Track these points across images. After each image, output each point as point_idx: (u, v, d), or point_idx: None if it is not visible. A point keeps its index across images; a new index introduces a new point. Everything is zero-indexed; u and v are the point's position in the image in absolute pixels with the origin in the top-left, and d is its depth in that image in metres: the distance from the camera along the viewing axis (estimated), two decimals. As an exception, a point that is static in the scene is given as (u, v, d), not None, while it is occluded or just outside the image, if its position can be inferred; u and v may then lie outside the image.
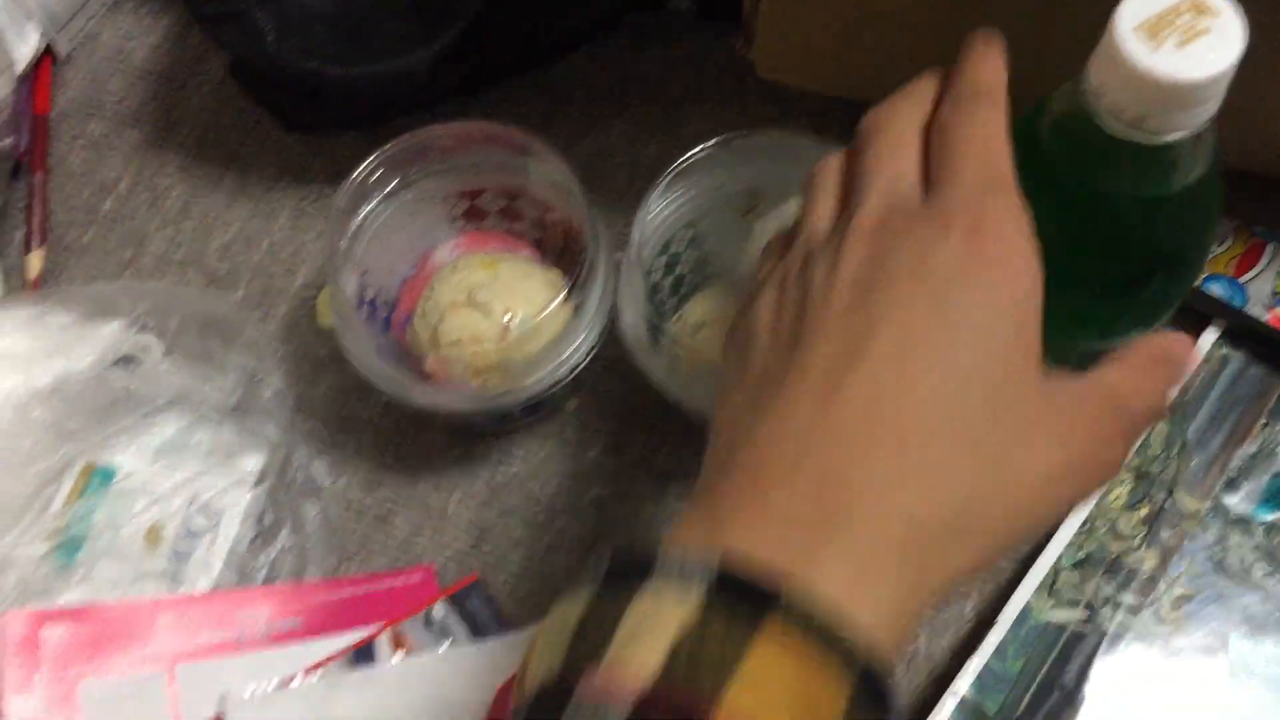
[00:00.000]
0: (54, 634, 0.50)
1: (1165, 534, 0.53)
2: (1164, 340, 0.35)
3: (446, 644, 0.52)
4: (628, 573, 0.28)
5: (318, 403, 0.59)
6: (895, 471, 0.28)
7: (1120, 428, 0.33)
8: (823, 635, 0.26)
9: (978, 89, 0.34)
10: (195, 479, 0.54)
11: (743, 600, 0.26)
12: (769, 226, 0.50)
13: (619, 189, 0.62)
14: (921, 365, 0.28)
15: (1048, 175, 0.39)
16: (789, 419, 0.29)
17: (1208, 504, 0.53)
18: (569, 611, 0.30)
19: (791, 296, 0.31)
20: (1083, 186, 0.38)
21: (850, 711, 0.25)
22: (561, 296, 0.50)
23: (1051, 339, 0.43)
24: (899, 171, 0.33)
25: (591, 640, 0.28)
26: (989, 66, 0.35)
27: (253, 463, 0.55)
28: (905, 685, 0.52)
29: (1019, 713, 0.49)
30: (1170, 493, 0.53)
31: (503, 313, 0.50)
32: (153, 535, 0.52)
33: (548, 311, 0.49)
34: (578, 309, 0.51)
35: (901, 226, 0.30)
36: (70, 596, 0.50)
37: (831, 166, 0.36)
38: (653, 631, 0.26)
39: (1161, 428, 0.54)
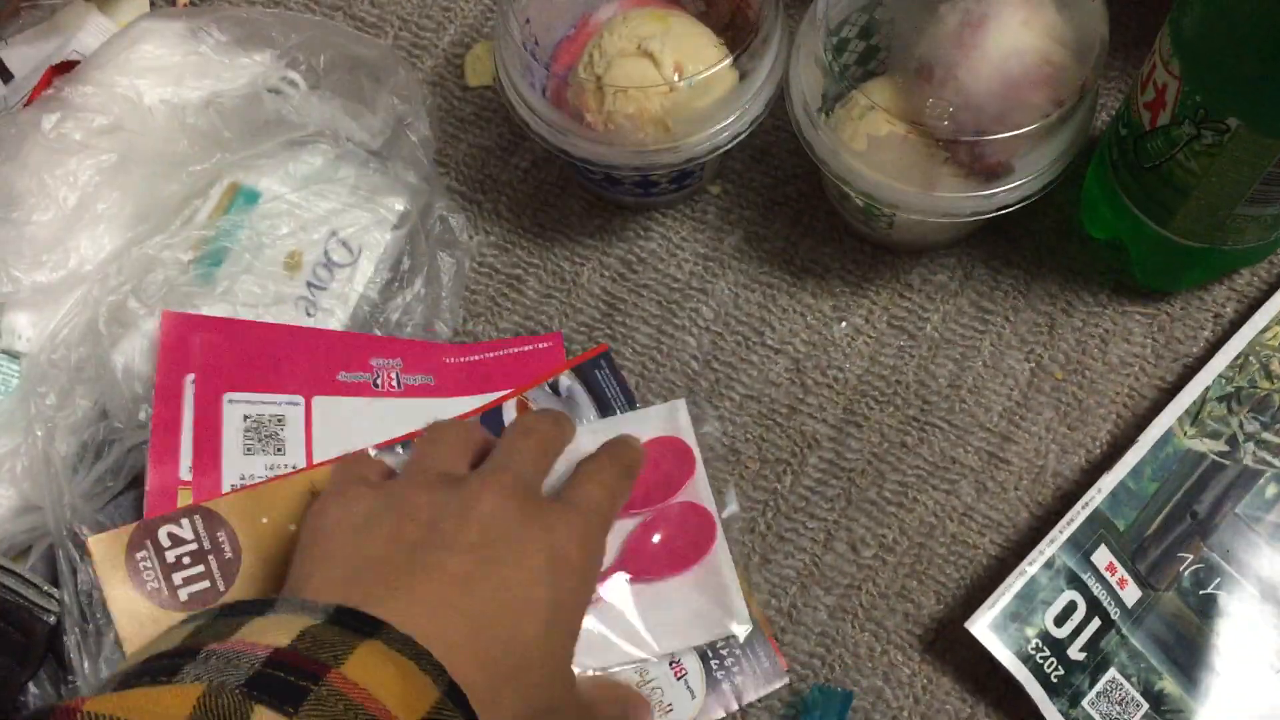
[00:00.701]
0: (203, 340, 0.50)
1: (1318, 379, 0.51)
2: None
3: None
4: (246, 610, 0.34)
5: (460, 160, 0.58)
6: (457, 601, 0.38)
7: None
8: (415, 654, 0.34)
9: (624, 463, 0.47)
10: (339, 212, 0.53)
11: (356, 622, 0.34)
12: (958, 6, 0.47)
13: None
14: (499, 584, 0.39)
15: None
16: (421, 585, 0.38)
17: (1366, 355, 0.51)
18: (188, 626, 0.34)
19: (419, 520, 0.39)
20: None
21: (439, 707, 0.33)
22: (732, 58, 0.48)
23: (1262, 133, 0.41)
24: (538, 468, 0.44)
25: (218, 630, 0.33)
26: (637, 449, 0.48)
27: (395, 205, 0.54)
28: (1030, 498, 0.51)
29: (1149, 532, 0.49)
30: (1329, 339, 0.52)
31: (672, 65, 0.48)
32: (293, 261, 0.52)
33: (718, 68, 0.47)
34: (745, 76, 0.49)
35: (528, 504, 0.41)
36: (211, 309, 0.50)
37: (458, 427, 0.46)
38: (279, 627, 0.33)
39: (1328, 274, 0.52)
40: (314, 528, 0.40)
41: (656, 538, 0.49)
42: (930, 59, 0.47)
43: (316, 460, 0.50)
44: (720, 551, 0.49)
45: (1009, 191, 0.48)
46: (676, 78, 0.48)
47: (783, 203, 0.57)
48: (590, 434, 0.50)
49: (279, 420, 0.50)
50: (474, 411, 0.52)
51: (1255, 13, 0.39)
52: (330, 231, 0.53)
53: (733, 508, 0.51)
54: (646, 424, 0.51)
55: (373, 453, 0.49)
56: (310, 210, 0.53)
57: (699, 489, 0.50)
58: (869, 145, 0.47)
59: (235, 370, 0.49)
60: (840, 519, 0.51)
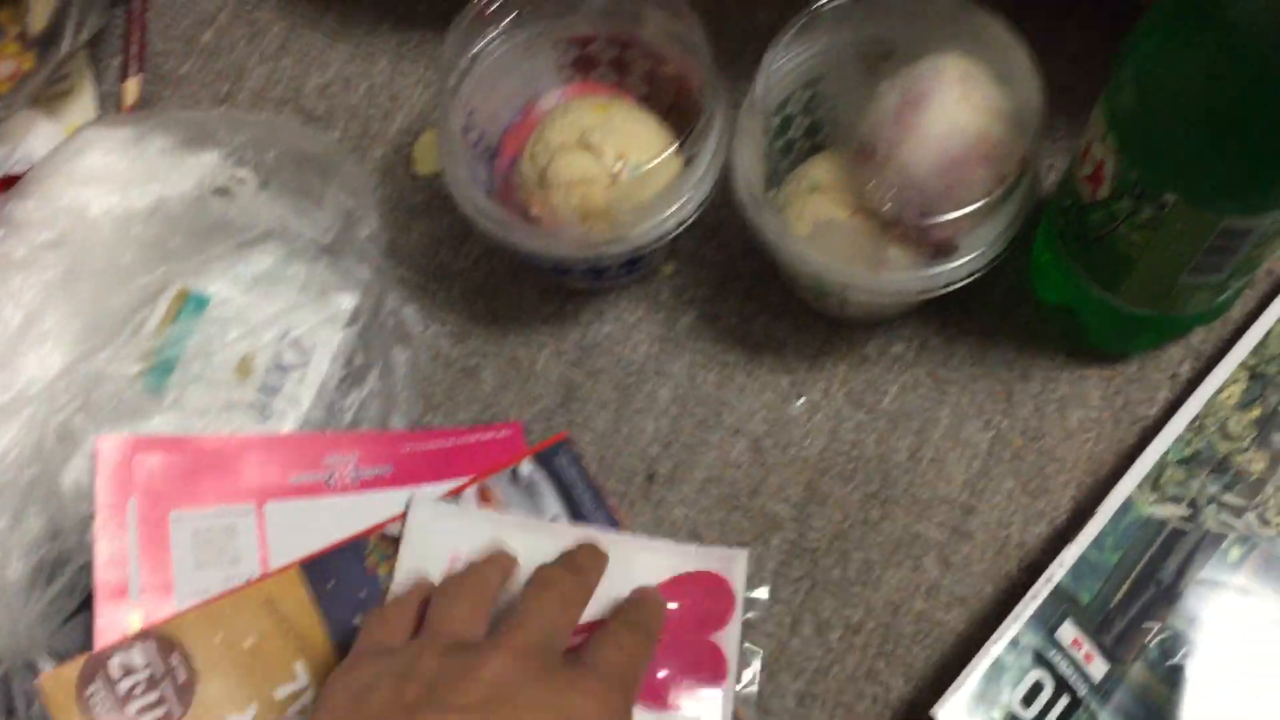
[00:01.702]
0: (148, 462, 0.49)
1: (1276, 437, 0.51)
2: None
3: (611, 531, 0.52)
4: None
5: (411, 250, 0.58)
6: None
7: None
8: None
9: (645, 626, 0.46)
10: (289, 312, 0.53)
11: None
12: (897, 85, 0.48)
13: (732, 48, 0.60)
14: None
15: (1219, 22, 0.36)
16: None
17: (1324, 411, 0.51)
18: None
19: (421, 681, 0.39)
20: (1266, 42, 0.36)
21: None
22: (675, 146, 0.48)
23: (1199, 207, 0.41)
24: (558, 625, 0.43)
25: None
26: (659, 610, 0.47)
27: (346, 301, 0.54)
28: (995, 570, 0.51)
29: (1114, 604, 0.48)
30: (1285, 396, 0.51)
31: (614, 156, 0.48)
32: (244, 366, 0.52)
33: (661, 159, 0.47)
34: (690, 161, 0.49)
35: (541, 667, 0.40)
36: (161, 419, 0.50)
37: (474, 581, 0.46)
38: None
39: (1281, 330, 0.52)
40: (322, 697, 0.40)
41: (662, 673, 0.48)
42: (871, 139, 0.48)
43: (273, 567, 0.50)
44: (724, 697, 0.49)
45: (956, 269, 0.48)
46: (620, 168, 0.48)
47: (736, 279, 0.56)
48: (649, 552, 0.50)
49: (230, 531, 0.49)
50: (440, 496, 0.52)
51: (1186, 94, 0.39)
52: (281, 332, 0.53)
53: (751, 670, 0.50)
54: (701, 558, 0.51)
55: (399, 581, 0.49)
56: (260, 312, 0.53)
57: (727, 641, 0.49)
58: (814, 230, 0.47)
59: (180, 487, 0.49)
60: (806, 601, 0.51)
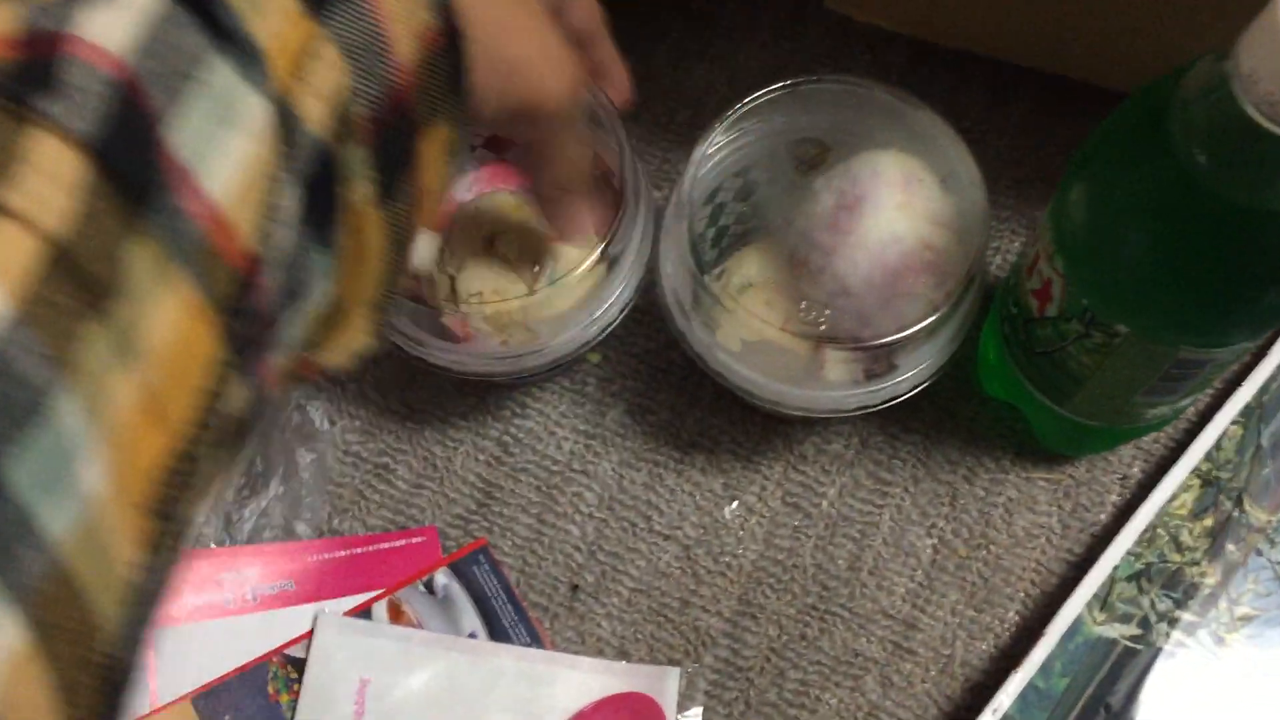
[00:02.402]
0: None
1: (1230, 547, 0.49)
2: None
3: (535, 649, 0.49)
4: None
5: (318, 337, 0.54)
6: None
7: None
8: None
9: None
10: (180, 418, 0.49)
11: None
12: (832, 185, 0.44)
13: (659, 120, 0.56)
14: None
15: (1170, 167, 0.34)
16: None
17: (1278, 517, 0.49)
18: None
19: None
20: (1217, 184, 0.33)
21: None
22: (597, 253, 0.45)
23: (1152, 341, 0.38)
24: None
25: None
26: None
27: (244, 402, 0.50)
28: (938, 692, 0.48)
29: (1061, 733, 0.46)
30: (1239, 502, 0.49)
31: (530, 266, 0.45)
32: (132, 477, 0.48)
33: (581, 269, 0.44)
34: (613, 263, 0.46)
35: None
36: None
37: None
38: None
39: (1234, 430, 0.50)
40: None
41: None
42: (804, 246, 0.44)
43: (162, 702, 0.46)
44: None
45: (898, 384, 0.45)
46: (536, 277, 0.45)
47: (666, 369, 0.53)
48: (574, 670, 0.48)
49: (118, 665, 0.45)
50: (347, 612, 0.49)
51: (1136, 230, 0.36)
52: (173, 439, 0.49)
53: None
54: (630, 677, 0.48)
55: None
56: (149, 419, 0.48)
57: None
58: (744, 348, 0.44)
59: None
60: (738, 725, 0.48)
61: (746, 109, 0.45)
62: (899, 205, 0.43)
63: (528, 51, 0.34)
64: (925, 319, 0.41)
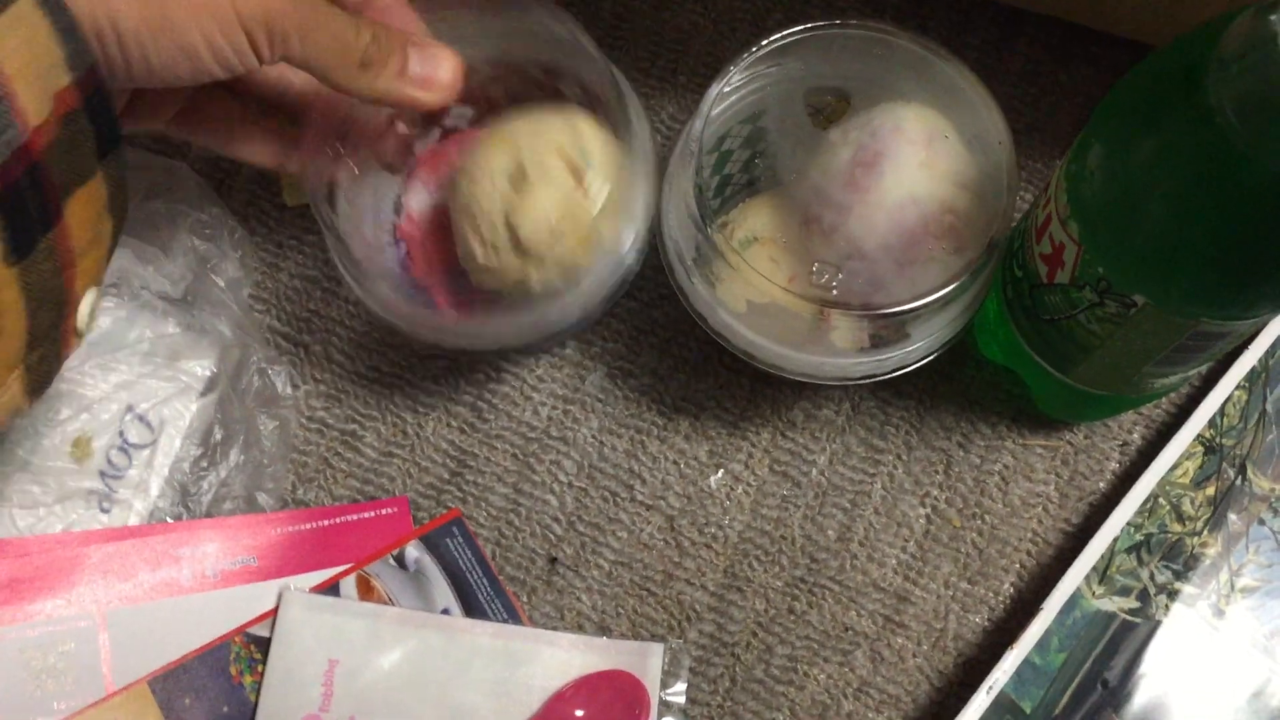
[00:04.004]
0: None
1: (1232, 517, 0.47)
2: None
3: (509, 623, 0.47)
4: None
5: (280, 295, 0.51)
6: None
7: None
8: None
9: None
10: (132, 384, 0.46)
11: None
12: (850, 138, 0.41)
13: (639, 64, 0.53)
14: None
15: (1205, 130, 0.31)
16: None
17: (1281, 486, 0.47)
18: None
19: None
20: (1257, 149, 0.30)
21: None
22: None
23: (1173, 313, 0.36)
24: None
25: None
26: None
27: (201, 367, 0.47)
28: (930, 667, 0.47)
29: (1058, 711, 0.44)
30: (1242, 470, 0.48)
31: (571, 172, 0.41)
32: (80, 447, 0.45)
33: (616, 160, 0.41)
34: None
35: None
36: (-19, 517, 0.43)
37: None
38: None
39: (1239, 395, 0.48)
40: None
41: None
42: (817, 204, 0.41)
43: (120, 686, 0.43)
44: None
45: (908, 353, 0.42)
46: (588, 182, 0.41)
47: (650, 330, 0.50)
48: (553, 648, 0.46)
49: (66, 648, 0.43)
50: (313, 588, 0.46)
51: (1161, 196, 0.33)
52: (125, 408, 0.46)
53: None
54: (611, 654, 0.46)
55: None
56: (97, 386, 0.45)
57: None
58: (749, 309, 0.41)
59: (8, 600, 0.42)
60: (725, 702, 0.46)
61: (765, 51, 0.41)
62: (921, 164, 0.40)
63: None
64: (943, 288, 0.39)
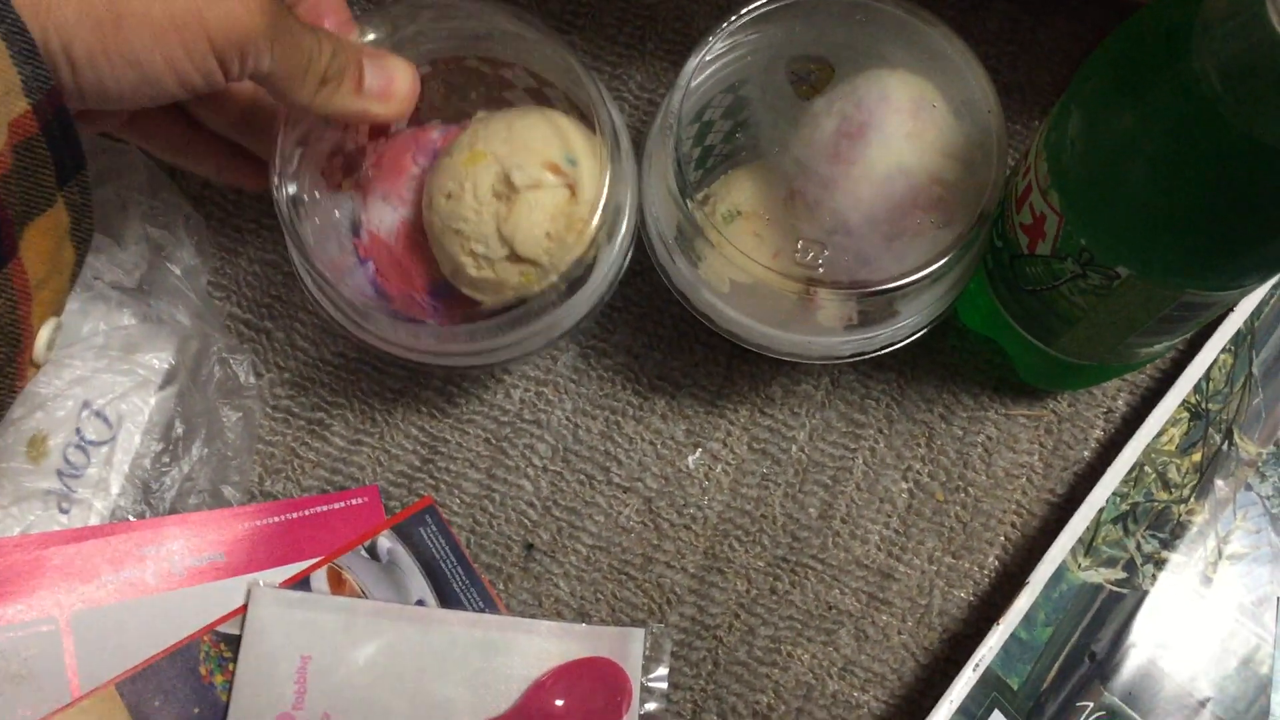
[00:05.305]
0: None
1: (1219, 483, 0.46)
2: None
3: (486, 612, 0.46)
4: None
5: (240, 280, 0.49)
6: None
7: None
8: None
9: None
10: (87, 379, 0.44)
11: None
12: (834, 108, 0.40)
13: (607, 32, 0.51)
14: None
15: (1189, 96, 0.30)
16: None
17: (1269, 449, 0.47)
18: None
19: None
20: (1242, 117, 0.29)
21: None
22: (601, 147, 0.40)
23: (1157, 284, 0.35)
24: None
25: None
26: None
27: (159, 359, 0.45)
28: (916, 644, 0.46)
29: (1045, 685, 0.44)
30: (1229, 435, 0.47)
31: (556, 173, 0.40)
32: (36, 447, 0.43)
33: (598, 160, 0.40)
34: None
35: None
36: (-66, 523, 0.42)
37: None
38: None
39: (1224, 359, 0.47)
40: None
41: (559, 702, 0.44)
42: (800, 178, 0.40)
43: (85, 690, 0.42)
44: None
45: (896, 330, 0.41)
46: (573, 180, 0.40)
47: (623, 307, 0.49)
48: (532, 636, 0.44)
49: (28, 652, 0.42)
50: (283, 583, 0.45)
51: (1144, 164, 0.32)
52: (81, 404, 0.44)
53: None
54: (591, 641, 0.45)
55: None
56: (51, 383, 0.44)
57: None
58: (732, 289, 0.40)
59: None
60: (708, 686, 0.46)
61: (745, 20, 0.40)
62: (908, 134, 0.39)
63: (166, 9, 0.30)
64: (932, 263, 0.37)
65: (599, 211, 0.39)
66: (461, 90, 0.44)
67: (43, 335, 0.31)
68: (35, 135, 0.28)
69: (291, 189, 0.40)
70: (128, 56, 0.30)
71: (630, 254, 0.42)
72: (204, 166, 0.40)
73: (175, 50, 0.30)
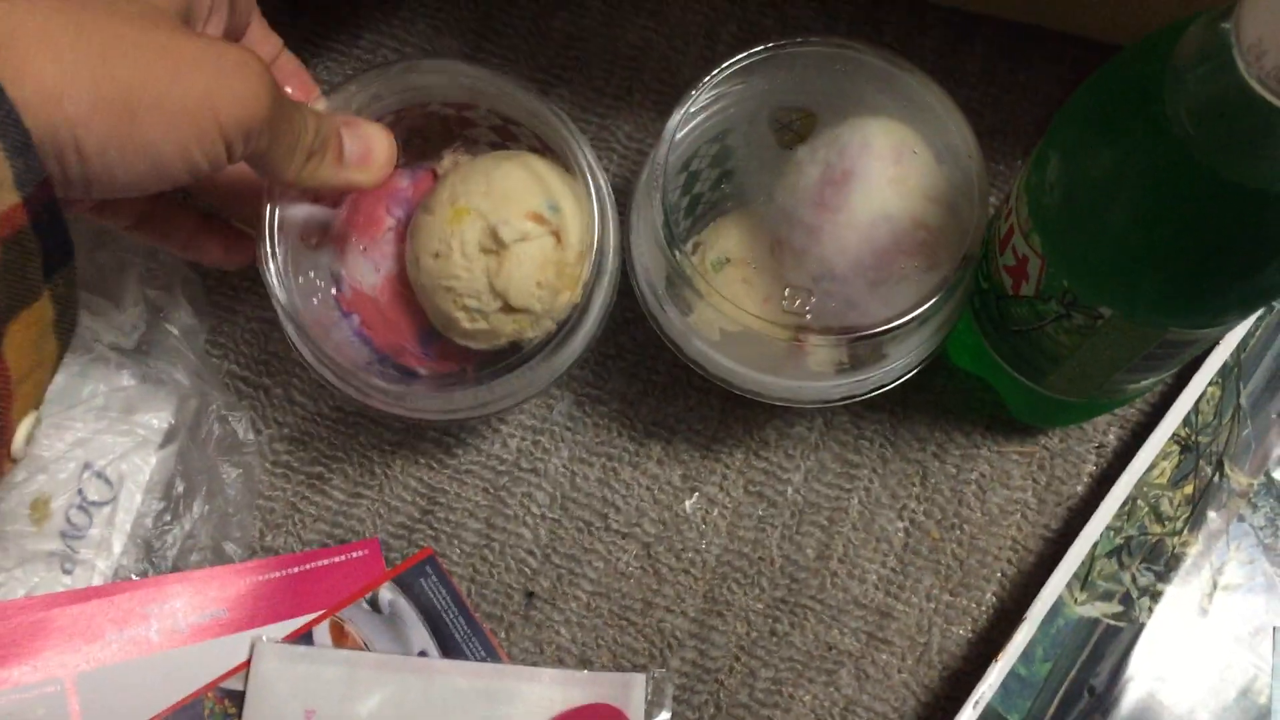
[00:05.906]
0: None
1: (1212, 515, 0.47)
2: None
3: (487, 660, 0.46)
4: None
5: (238, 339, 0.50)
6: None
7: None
8: None
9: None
10: (88, 441, 0.45)
11: None
12: (818, 157, 0.41)
13: (594, 83, 0.52)
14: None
15: (1163, 140, 0.30)
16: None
17: (1259, 480, 0.47)
18: None
19: None
20: (1215, 159, 0.30)
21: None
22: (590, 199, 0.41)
23: (1139, 324, 0.36)
24: None
25: None
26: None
27: (158, 418, 0.46)
28: (916, 682, 0.46)
29: (1045, 722, 0.44)
30: (1219, 466, 0.47)
31: (541, 222, 0.40)
32: (38, 509, 0.44)
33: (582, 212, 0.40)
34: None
35: None
36: (-61, 588, 0.42)
37: None
38: None
39: (1212, 391, 0.48)
40: None
41: None
42: (786, 226, 0.41)
43: (91, 752, 0.42)
44: None
45: (886, 373, 0.42)
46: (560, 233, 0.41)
47: (616, 355, 0.50)
48: (534, 684, 0.44)
49: (36, 717, 0.42)
50: (286, 637, 0.45)
51: (1121, 208, 0.33)
52: (82, 465, 0.45)
53: None
54: (593, 687, 0.45)
55: None
56: (52, 446, 0.44)
57: None
58: (722, 337, 0.41)
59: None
60: (710, 730, 0.46)
61: (728, 73, 0.41)
62: (891, 180, 0.40)
63: (191, 89, 0.31)
64: (918, 306, 0.38)
65: (590, 256, 0.40)
66: (423, 133, 0.44)
67: (21, 430, 0.30)
68: (24, 228, 0.28)
69: (279, 262, 0.41)
70: (141, 146, 0.30)
71: (618, 286, 0.43)
72: (214, 257, 0.41)
73: (187, 138, 0.30)
